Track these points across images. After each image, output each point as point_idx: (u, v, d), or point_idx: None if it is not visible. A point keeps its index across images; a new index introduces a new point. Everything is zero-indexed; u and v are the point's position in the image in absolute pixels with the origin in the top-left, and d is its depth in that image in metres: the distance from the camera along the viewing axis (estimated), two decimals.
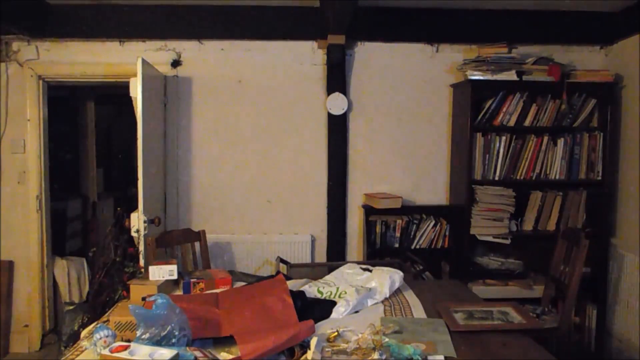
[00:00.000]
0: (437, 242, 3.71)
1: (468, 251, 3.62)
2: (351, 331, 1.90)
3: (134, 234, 3.21)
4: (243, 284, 2.59)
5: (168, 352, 1.53)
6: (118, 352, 1.55)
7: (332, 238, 3.87)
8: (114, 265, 3.26)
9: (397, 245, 3.68)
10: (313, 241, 3.87)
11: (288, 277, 2.64)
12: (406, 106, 3.88)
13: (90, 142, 5.40)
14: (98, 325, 1.73)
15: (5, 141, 3.76)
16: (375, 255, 3.65)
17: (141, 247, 3.13)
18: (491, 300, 2.61)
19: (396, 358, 1.64)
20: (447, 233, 3.70)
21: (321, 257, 3.89)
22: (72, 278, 4.10)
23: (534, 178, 3.61)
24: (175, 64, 3.77)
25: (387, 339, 1.73)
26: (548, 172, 3.61)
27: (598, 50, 3.91)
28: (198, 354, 1.60)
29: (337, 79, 3.77)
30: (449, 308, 2.19)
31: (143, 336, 1.63)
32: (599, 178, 3.61)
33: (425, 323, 2.06)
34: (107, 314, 2.18)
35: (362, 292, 2.27)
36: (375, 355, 1.65)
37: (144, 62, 3.20)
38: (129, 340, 1.67)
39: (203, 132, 3.83)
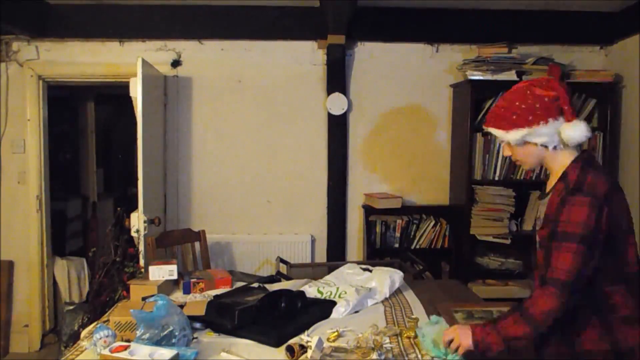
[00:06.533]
0: (437, 242, 3.71)
1: (468, 251, 3.62)
2: (351, 331, 1.90)
3: (134, 234, 3.20)
4: (243, 284, 2.59)
5: (168, 352, 1.53)
6: (118, 352, 1.55)
7: (332, 238, 3.87)
8: (114, 265, 3.25)
9: (397, 245, 3.68)
10: (313, 241, 3.87)
11: (288, 277, 2.65)
12: (406, 106, 3.88)
13: (90, 142, 5.40)
14: (98, 325, 1.73)
15: (5, 141, 3.76)
16: (375, 255, 3.65)
17: (141, 247, 3.12)
18: (491, 300, 2.61)
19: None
20: (447, 233, 3.70)
21: (321, 257, 3.88)
22: (72, 278, 4.10)
23: (534, 178, 3.60)
24: (175, 64, 3.77)
25: (424, 331, 1.72)
26: (548, 172, 3.60)
27: (598, 50, 3.91)
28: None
29: (337, 79, 3.77)
30: (449, 308, 2.19)
31: (143, 336, 1.63)
32: None
33: None
34: (107, 314, 2.18)
35: (362, 292, 2.27)
36: (374, 356, 1.65)
37: (144, 62, 3.20)
38: (129, 340, 1.67)
39: (203, 132, 3.82)
